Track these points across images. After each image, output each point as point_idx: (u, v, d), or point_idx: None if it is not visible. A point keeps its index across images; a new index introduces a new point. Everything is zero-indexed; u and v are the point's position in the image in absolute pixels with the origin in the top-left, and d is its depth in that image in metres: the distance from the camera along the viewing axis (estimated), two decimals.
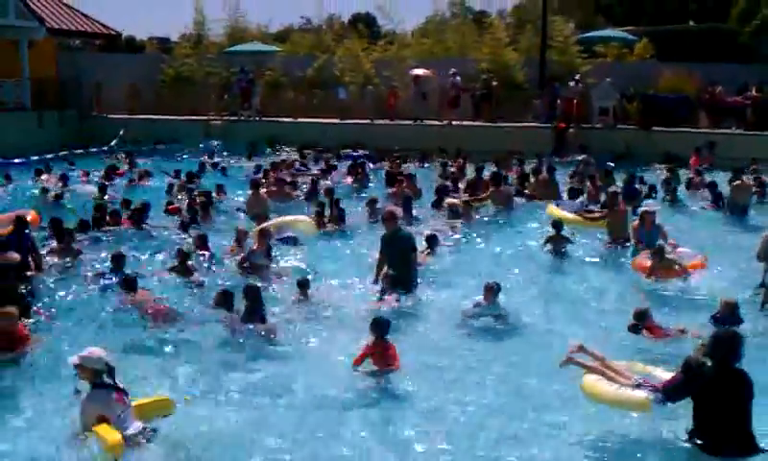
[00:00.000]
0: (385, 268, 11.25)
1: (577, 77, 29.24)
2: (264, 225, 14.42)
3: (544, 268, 13.49)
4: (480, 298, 10.55)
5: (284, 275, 12.35)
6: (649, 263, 12.03)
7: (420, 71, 30.43)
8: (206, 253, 13.11)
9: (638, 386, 7.35)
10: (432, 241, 13.52)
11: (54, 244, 12.97)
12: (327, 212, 16.33)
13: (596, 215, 14.91)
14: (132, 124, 30.17)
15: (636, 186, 18.81)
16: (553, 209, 15.48)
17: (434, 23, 39.42)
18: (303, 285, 11.28)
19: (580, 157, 23.08)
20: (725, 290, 11.14)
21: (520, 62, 32.18)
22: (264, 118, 30.86)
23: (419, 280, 11.67)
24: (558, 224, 14.19)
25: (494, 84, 30.14)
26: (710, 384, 6.55)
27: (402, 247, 11.37)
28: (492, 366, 9.17)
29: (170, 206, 17.32)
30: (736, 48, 32.67)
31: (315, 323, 10.47)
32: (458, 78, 29.72)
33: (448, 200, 17.05)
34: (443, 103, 29.92)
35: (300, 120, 30.49)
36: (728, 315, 9.29)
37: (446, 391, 8.49)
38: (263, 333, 9.82)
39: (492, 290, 10.50)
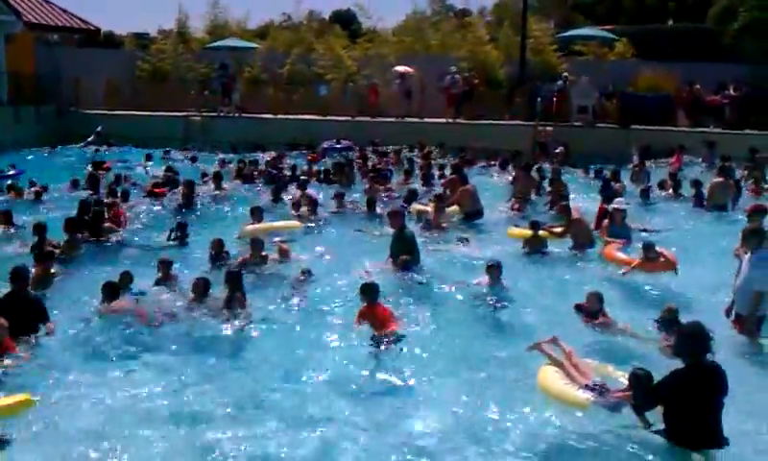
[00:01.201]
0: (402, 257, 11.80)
1: (565, 75, 29.31)
2: (252, 227, 14.55)
3: (520, 267, 13.41)
4: (483, 278, 10.52)
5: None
6: (634, 258, 12.16)
7: (402, 68, 30.44)
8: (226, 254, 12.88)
9: (593, 389, 7.40)
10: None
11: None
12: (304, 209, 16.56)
13: (558, 230, 14.77)
14: (110, 120, 29.87)
15: (614, 185, 18.76)
16: (513, 230, 15.30)
17: (414, 21, 39.40)
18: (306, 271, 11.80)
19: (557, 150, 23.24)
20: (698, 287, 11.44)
21: (500, 61, 32.27)
22: (244, 115, 30.75)
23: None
24: (536, 224, 14.23)
25: (475, 82, 30.27)
26: (685, 383, 6.54)
27: (408, 244, 12.03)
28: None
29: (156, 188, 17.89)
30: (715, 47, 32.85)
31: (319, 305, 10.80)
32: (457, 76, 29.81)
33: (416, 206, 16.73)
34: (450, 100, 29.96)
35: (280, 117, 30.44)
36: (668, 320, 9.15)
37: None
38: (241, 319, 9.92)
39: (494, 269, 10.48)
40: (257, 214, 15.07)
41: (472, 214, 16.71)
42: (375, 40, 36.84)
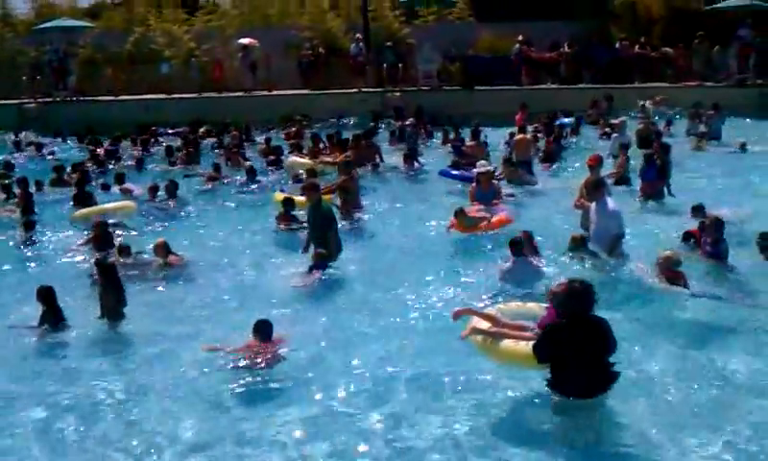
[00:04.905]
0: (313, 247, 11.42)
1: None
2: (84, 212, 14.62)
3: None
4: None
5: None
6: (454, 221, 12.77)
7: (246, 41, 29.88)
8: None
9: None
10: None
11: None
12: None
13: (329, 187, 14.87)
14: None
15: (464, 149, 19.20)
16: (278, 195, 15.14)
17: None
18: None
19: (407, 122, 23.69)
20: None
21: (343, 29, 32.28)
22: (82, 98, 29.40)
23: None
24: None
25: (321, 51, 30.21)
26: (566, 335, 6.78)
27: (323, 219, 11.56)
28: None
29: None
30: (551, 5, 33.92)
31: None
32: (362, 44, 29.55)
33: (293, 159, 16.50)
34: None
35: (122, 98, 29.31)
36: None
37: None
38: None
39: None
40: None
41: None
42: (216, 13, 35.91)
